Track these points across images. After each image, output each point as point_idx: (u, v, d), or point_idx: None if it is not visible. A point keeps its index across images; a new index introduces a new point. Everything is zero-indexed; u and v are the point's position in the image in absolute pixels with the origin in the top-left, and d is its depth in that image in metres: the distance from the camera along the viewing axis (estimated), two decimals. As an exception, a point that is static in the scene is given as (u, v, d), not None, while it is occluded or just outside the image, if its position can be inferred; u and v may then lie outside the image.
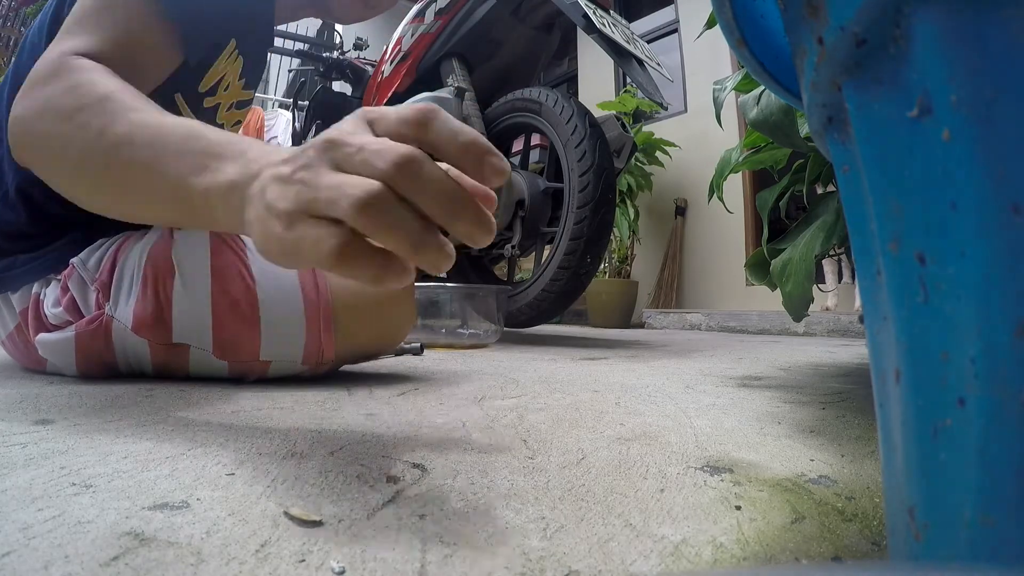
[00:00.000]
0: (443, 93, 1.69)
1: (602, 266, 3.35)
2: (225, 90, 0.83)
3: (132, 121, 0.45)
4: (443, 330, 1.56)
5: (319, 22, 3.61)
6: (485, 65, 1.88)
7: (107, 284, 0.72)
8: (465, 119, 1.72)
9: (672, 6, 4.08)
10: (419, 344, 1.32)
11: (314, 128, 2.28)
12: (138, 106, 0.47)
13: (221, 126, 0.87)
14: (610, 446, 0.46)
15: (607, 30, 1.44)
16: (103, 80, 0.51)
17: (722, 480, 0.39)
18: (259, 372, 0.74)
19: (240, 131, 1.24)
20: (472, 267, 1.99)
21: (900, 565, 0.17)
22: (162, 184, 0.41)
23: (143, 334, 0.70)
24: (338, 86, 2.61)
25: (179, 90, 0.78)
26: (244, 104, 0.91)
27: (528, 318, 1.66)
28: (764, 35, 0.26)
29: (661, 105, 1.55)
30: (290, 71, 3.43)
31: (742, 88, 0.68)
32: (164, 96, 0.76)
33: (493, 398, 0.68)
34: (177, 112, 0.79)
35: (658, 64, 1.59)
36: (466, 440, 0.47)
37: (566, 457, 0.43)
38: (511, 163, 1.78)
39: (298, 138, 2.48)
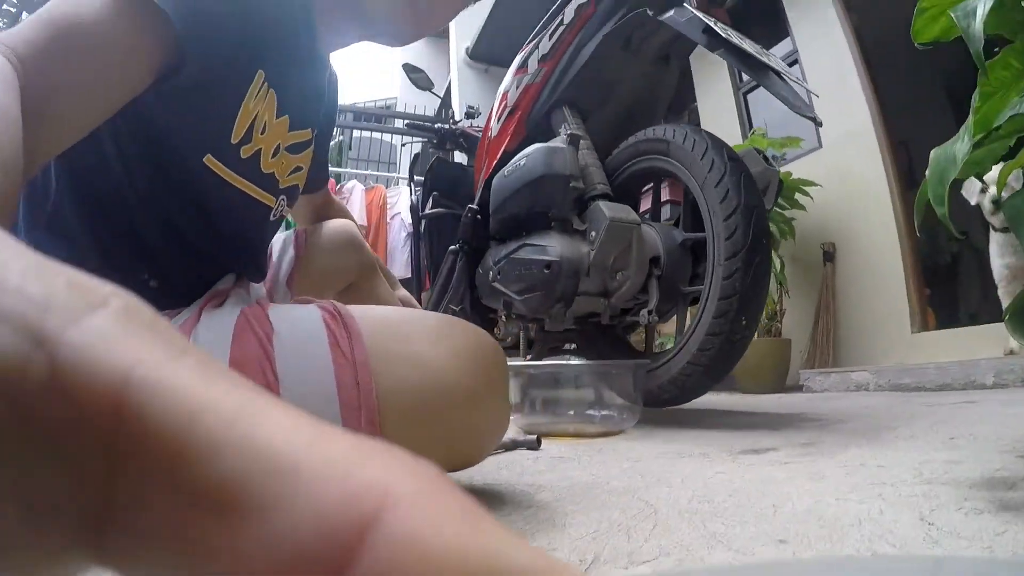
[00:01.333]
0: (555, 143, 1.51)
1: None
2: (262, 133, 0.67)
3: None
4: (571, 411, 1.32)
5: (436, 101, 3.64)
6: (600, 111, 1.68)
7: None
8: (583, 169, 1.52)
9: (788, 38, 3.69)
10: (535, 437, 1.08)
11: (431, 200, 2.19)
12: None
13: (271, 175, 0.72)
14: None
15: (734, 40, 1.20)
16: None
17: None
18: None
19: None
20: (604, 338, 1.74)
21: (903, 558, 0.22)
22: None
23: None
24: (459, 157, 2.57)
25: (208, 150, 0.64)
26: (301, 147, 0.75)
27: (672, 396, 1.37)
28: None
29: (815, 120, 1.26)
30: (402, 145, 3.46)
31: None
32: (192, 161, 0.63)
33: (611, 560, 0.43)
34: (211, 183, 0.65)
35: (796, 79, 1.31)
36: None
37: None
38: (640, 216, 1.54)
39: (415, 211, 2.42)
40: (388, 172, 4.69)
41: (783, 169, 3.35)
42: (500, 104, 1.86)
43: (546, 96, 1.68)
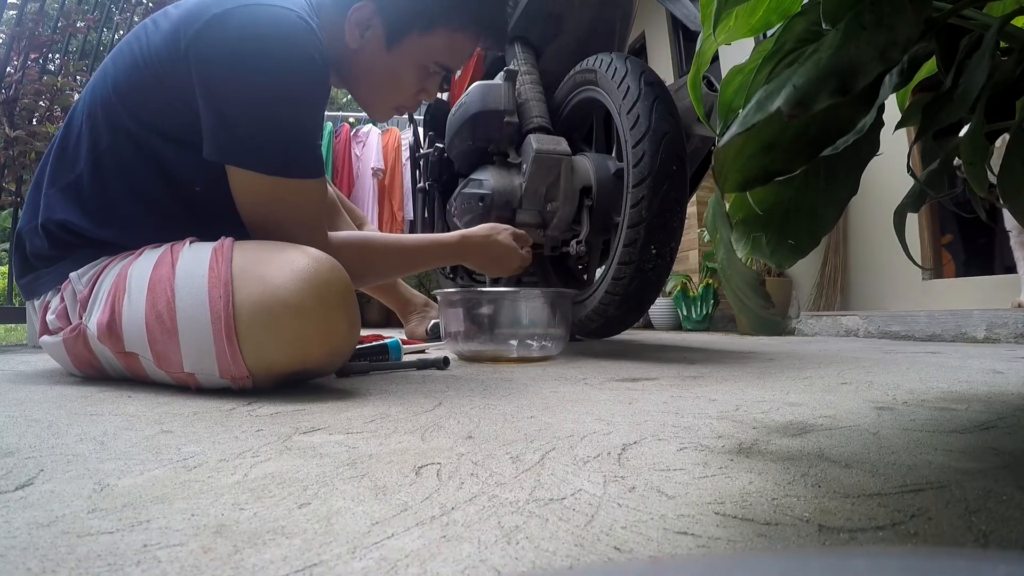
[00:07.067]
0: (495, 80, 1.52)
1: (752, 264, 2.84)
2: None
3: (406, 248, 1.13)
4: (491, 335, 1.36)
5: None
6: (553, 44, 1.66)
7: (86, 298, 0.82)
8: (522, 104, 1.53)
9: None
10: (443, 357, 1.14)
11: (426, 139, 2.23)
12: (396, 238, 1.14)
13: None
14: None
15: None
16: (366, 237, 1.08)
17: None
18: (191, 384, 0.77)
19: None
20: (555, 270, 1.76)
21: (898, 551, 0.22)
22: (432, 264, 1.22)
23: (103, 342, 0.78)
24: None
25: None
26: None
27: (598, 326, 1.40)
28: None
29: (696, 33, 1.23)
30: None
31: None
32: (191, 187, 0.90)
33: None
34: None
35: None
36: None
37: None
38: (581, 148, 1.54)
39: (414, 150, 2.47)
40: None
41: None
42: (462, 43, 1.86)
43: (498, 33, 1.67)
